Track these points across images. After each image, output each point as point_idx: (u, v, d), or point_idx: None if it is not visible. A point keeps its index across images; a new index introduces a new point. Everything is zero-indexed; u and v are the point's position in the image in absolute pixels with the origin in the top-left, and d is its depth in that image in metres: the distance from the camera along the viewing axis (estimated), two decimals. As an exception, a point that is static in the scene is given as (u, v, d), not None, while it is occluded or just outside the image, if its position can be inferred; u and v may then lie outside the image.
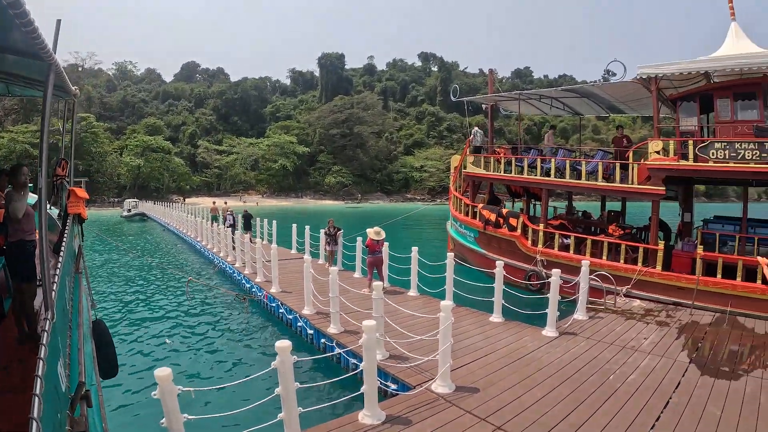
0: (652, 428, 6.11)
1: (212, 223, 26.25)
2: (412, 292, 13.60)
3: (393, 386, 7.81)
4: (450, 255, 12.39)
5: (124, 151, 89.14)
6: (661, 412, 6.51)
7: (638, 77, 14.56)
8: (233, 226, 23.54)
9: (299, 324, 11.72)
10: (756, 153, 12.45)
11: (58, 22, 6.69)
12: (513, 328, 10.48)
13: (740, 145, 12.68)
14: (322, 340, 10.48)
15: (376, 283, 8.48)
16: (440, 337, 7.17)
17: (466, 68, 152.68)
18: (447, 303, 7.28)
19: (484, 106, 24.24)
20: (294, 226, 21.86)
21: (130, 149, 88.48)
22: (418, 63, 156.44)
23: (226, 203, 34.39)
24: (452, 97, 24.44)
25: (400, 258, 14.46)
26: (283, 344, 5.33)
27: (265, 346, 11.50)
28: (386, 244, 14.19)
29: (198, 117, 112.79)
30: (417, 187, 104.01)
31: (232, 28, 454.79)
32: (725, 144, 12.91)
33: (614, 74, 17.75)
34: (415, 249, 13.58)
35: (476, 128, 22.50)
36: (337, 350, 9.61)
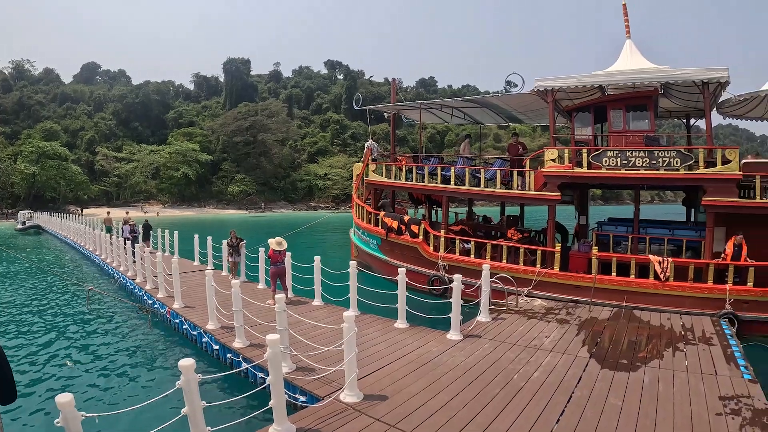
0: (556, 423, 6.15)
1: (110, 236, 24.51)
2: (317, 302, 13.25)
3: (302, 398, 7.66)
4: (353, 263, 12.18)
5: (18, 157, 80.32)
6: (565, 407, 6.60)
7: (536, 89, 15.15)
8: (136, 239, 21.99)
9: (204, 340, 11.09)
10: (646, 160, 13.32)
11: None
12: (418, 333, 10.38)
13: (631, 153, 13.53)
14: (228, 355, 9.96)
15: (279, 295, 8.22)
16: (345, 348, 7.01)
17: (371, 77, 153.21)
18: (349, 313, 7.23)
19: (386, 114, 24.33)
20: (196, 237, 20.77)
21: (25, 156, 79.47)
22: (324, 71, 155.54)
23: (127, 213, 32.41)
24: (355, 106, 24.35)
25: (303, 267, 14.04)
26: (187, 363, 5.15)
27: (171, 365, 10.73)
28: (289, 254, 13.79)
29: (97, 122, 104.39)
30: (321, 195, 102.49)
31: (135, 27, 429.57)
32: (617, 152, 13.72)
33: (515, 85, 18.47)
34: (317, 258, 13.26)
35: (371, 140, 22.31)
36: (244, 365, 9.11)
